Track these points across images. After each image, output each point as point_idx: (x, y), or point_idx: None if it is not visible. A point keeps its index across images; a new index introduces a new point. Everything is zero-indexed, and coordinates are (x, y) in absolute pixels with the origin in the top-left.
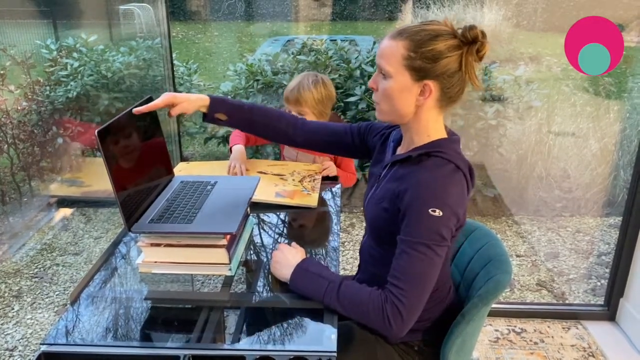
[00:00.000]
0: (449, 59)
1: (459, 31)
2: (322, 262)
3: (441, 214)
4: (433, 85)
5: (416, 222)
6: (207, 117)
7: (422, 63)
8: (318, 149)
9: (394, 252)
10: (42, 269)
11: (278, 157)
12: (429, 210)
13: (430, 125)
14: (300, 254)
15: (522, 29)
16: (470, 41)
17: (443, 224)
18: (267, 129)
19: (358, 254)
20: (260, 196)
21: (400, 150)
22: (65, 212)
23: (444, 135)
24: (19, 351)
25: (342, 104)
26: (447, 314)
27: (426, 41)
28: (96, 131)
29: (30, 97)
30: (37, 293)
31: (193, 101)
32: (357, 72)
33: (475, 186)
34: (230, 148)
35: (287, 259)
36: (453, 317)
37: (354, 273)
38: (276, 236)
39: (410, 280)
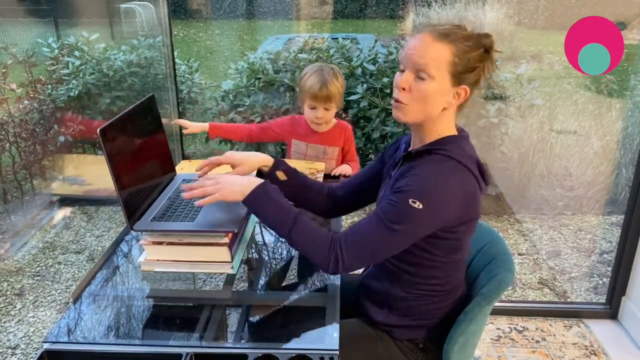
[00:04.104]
0: (479, 69)
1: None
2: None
3: (421, 207)
4: (468, 89)
5: (394, 202)
6: (268, 174)
7: (463, 70)
8: (364, 201)
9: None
10: (44, 268)
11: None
12: (410, 200)
13: (444, 124)
14: (255, 180)
15: (523, 27)
16: (488, 49)
17: (418, 217)
18: (310, 199)
19: None
20: None
21: (411, 149)
22: (67, 210)
23: (454, 132)
24: (22, 349)
25: (343, 102)
26: (453, 312)
27: (471, 49)
28: (98, 129)
29: (31, 95)
30: (39, 291)
31: (252, 163)
32: (359, 70)
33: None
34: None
35: (241, 179)
36: (457, 316)
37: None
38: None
39: (359, 244)
